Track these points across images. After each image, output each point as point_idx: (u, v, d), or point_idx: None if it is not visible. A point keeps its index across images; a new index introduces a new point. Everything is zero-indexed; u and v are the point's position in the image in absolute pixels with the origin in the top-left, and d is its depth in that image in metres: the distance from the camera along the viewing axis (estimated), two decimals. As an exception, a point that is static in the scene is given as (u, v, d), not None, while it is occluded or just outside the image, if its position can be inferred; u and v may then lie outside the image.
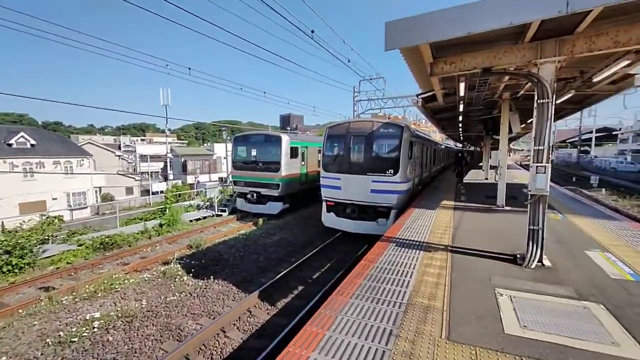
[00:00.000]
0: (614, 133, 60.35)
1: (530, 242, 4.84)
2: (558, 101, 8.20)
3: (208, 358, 5.40)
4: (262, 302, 7.17)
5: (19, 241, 9.39)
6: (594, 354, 2.81)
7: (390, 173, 10.09)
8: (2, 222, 16.04)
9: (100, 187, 33.50)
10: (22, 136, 26.53)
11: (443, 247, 5.80)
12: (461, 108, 10.65)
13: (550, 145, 4.75)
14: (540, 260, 4.85)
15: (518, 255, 5.08)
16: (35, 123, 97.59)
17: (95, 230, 13.33)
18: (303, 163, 16.64)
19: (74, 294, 7.63)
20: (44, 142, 28.47)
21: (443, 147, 26.79)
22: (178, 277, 8.56)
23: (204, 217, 16.06)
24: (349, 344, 3.02)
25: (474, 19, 4.13)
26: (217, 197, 17.62)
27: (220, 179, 34.10)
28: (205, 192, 21.65)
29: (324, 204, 11.66)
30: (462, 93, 7.75)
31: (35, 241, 9.93)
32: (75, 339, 5.81)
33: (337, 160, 11.09)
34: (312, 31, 11.43)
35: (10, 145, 25.67)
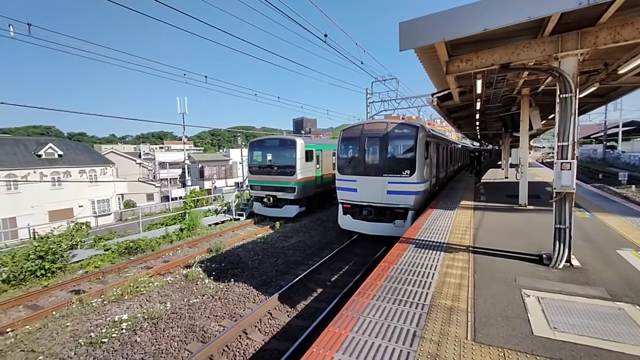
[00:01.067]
0: (642, 127, 57.26)
1: (557, 242, 4.69)
2: (581, 95, 7.92)
3: (232, 359, 5.50)
4: (282, 305, 7.24)
5: (51, 247, 9.87)
6: (632, 357, 2.69)
7: (407, 174, 9.99)
8: (34, 229, 16.93)
9: (122, 194, 34.76)
10: (50, 147, 27.93)
11: (464, 247, 5.70)
12: (478, 106, 10.44)
13: (575, 140, 4.59)
14: (568, 260, 4.69)
15: (544, 255, 4.93)
16: (61, 134, 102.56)
17: (119, 236, 13.83)
18: (318, 166, 16.71)
19: (102, 296, 7.95)
20: (70, 152, 29.86)
21: (459, 146, 26.28)
22: (200, 280, 8.76)
23: (222, 222, 16.36)
24: (372, 344, 3.02)
25: (490, 15, 4.07)
26: (234, 202, 17.92)
27: (237, 183, 34.68)
28: (223, 196, 22.08)
29: (340, 206, 11.66)
30: (479, 90, 7.62)
31: (65, 246, 10.41)
32: (106, 340, 6.05)
33: (352, 162, 11.08)
34: (325, 35, 11.52)
35: (39, 156, 27.08)
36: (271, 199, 15.86)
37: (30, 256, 9.55)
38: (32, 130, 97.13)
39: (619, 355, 2.72)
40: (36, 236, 13.35)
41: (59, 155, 28.36)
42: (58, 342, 6.15)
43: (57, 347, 5.99)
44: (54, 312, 7.31)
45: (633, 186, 24.46)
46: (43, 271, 9.42)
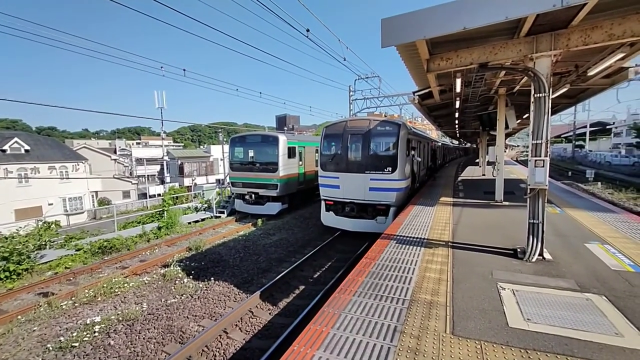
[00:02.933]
0: (607, 127, 60.91)
1: (531, 236, 4.86)
2: (553, 96, 8.21)
3: (211, 359, 5.37)
4: (264, 303, 7.15)
5: (16, 247, 9.28)
6: (599, 345, 2.82)
7: (388, 171, 10.10)
8: (-2, 229, 15.86)
9: (96, 192, 33.24)
10: (16, 142, 26.28)
11: (444, 243, 5.82)
12: (457, 104, 10.70)
13: (548, 139, 4.77)
14: (541, 254, 4.88)
15: (519, 249, 5.10)
16: (29, 128, 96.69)
17: (92, 235, 13.22)
18: (301, 163, 16.62)
19: (73, 298, 7.57)
20: (39, 147, 28.21)
21: (440, 144, 26.91)
22: (178, 279, 8.51)
23: (203, 219, 15.99)
24: (353, 341, 3.01)
25: (469, 14, 4.14)
26: (215, 199, 17.54)
27: (218, 180, 34.00)
28: (203, 194, 21.59)
29: (322, 203, 11.65)
30: (458, 89, 7.79)
31: (32, 247, 9.83)
32: (76, 344, 5.76)
33: (335, 159, 11.08)
34: (308, 30, 11.41)
35: (4, 151, 25.42)
36: (253, 196, 15.64)
37: (-7, 257, 8.96)
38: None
39: (587, 343, 2.85)
40: (0, 236, 12.54)
41: (26, 151, 26.74)
42: (24, 347, 5.80)
43: (22, 353, 5.64)
44: (19, 317, 6.89)
45: (599, 183, 25.91)
46: (7, 273, 8.85)
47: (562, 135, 70.50)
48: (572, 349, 2.77)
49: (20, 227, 10.78)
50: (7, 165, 24.95)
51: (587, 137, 57.73)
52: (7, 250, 9.09)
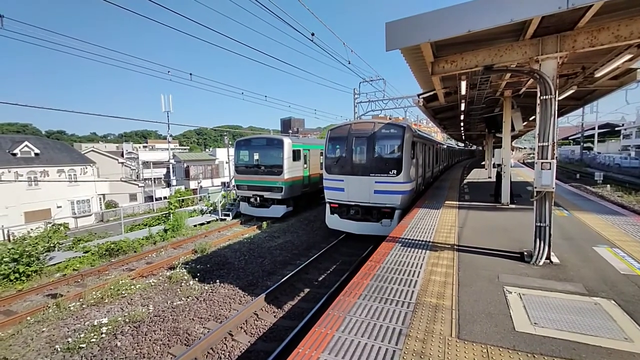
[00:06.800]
0: (616, 129, 59.97)
1: (538, 239, 4.81)
2: (560, 97, 8.17)
3: (216, 362, 5.40)
4: (269, 305, 7.16)
5: (26, 249, 9.44)
6: (608, 350, 2.78)
7: (393, 173, 10.07)
8: (9, 231, 16.18)
9: (104, 195, 33.68)
10: (26, 145, 26.75)
11: (449, 246, 5.78)
12: (463, 107, 10.64)
13: (555, 141, 4.73)
14: (548, 257, 4.82)
15: (525, 253, 5.05)
16: (38, 132, 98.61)
17: (100, 237, 13.39)
18: (305, 166, 16.66)
19: (81, 300, 7.66)
20: (48, 151, 28.68)
21: (445, 146, 26.77)
22: (184, 281, 8.57)
23: (208, 222, 16.08)
24: (358, 344, 3.01)
25: (474, 17, 4.14)
26: (220, 202, 17.65)
27: (223, 183, 34.22)
28: (209, 196, 21.72)
29: (327, 206, 11.65)
30: (463, 92, 7.76)
31: (41, 249, 9.98)
32: (84, 345, 5.83)
33: (339, 162, 11.08)
34: (313, 34, 11.48)
35: (14, 154, 25.88)
36: (258, 198, 15.70)
37: (4, 259, 9.12)
38: (7, 128, 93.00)
39: (595, 348, 2.81)
40: (12, 238, 12.77)
41: (36, 154, 27.19)
42: (32, 348, 5.88)
43: (31, 354, 5.73)
44: (28, 317, 7.00)
45: (608, 186, 25.50)
46: (17, 275, 9.00)
47: (570, 137, 69.60)
48: (580, 354, 2.73)
49: (30, 230, 10.97)
50: (18, 169, 25.41)
51: (596, 139, 56.93)
52: (17, 252, 9.26)
